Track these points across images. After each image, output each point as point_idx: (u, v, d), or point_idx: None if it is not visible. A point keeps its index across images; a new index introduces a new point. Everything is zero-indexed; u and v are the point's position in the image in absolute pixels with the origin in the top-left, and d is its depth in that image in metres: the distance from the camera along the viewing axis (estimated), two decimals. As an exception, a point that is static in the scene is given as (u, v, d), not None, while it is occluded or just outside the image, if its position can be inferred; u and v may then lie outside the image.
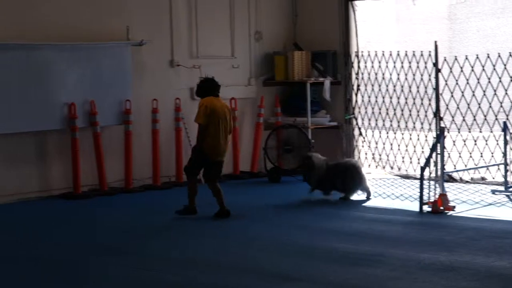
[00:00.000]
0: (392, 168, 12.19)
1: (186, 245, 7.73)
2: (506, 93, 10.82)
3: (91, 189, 10.92)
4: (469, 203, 9.61)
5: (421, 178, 9.12)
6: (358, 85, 12.56)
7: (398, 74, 12.01)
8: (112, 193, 10.86)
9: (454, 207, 9.13)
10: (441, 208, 8.96)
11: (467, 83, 11.18)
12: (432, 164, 9.37)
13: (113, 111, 11.07)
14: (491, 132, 10.96)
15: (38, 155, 10.64)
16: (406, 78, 11.94)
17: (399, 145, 12.08)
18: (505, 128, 10.10)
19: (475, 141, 11.10)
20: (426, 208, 9.07)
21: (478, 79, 11.08)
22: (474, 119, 11.12)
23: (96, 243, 7.89)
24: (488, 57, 10.95)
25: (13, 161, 10.38)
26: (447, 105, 11.34)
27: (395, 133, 12.13)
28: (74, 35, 10.67)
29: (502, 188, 10.18)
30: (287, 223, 8.78)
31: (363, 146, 12.57)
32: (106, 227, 8.82)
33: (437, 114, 10.13)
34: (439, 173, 9.38)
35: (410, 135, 11.90)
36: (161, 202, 10.43)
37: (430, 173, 9.32)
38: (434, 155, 9.38)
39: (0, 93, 9.91)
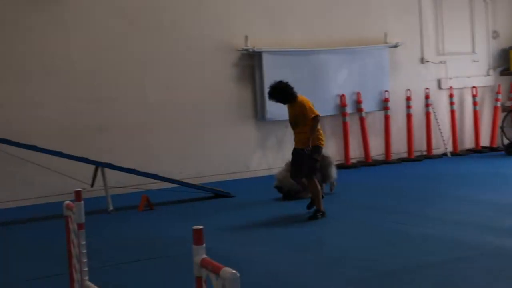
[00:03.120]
0: None
1: (441, 205, 8.78)
2: None
3: (358, 161, 13.40)
4: None
5: None
6: None
7: None
8: (375, 164, 13.20)
9: None
10: None
11: None
12: None
13: (375, 99, 13.38)
14: None
15: (317, 135, 13.33)
16: None
17: None
18: None
19: None
20: None
21: None
22: None
23: (360, 202, 9.46)
24: None
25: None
26: None
27: None
28: (344, 41, 13.14)
29: None
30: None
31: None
32: (369, 190, 10.48)
33: None
34: None
35: None
36: (414, 171, 12.37)
37: None
38: None
39: (296, 87, 12.61)
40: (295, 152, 8.29)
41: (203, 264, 2.81)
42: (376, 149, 13.57)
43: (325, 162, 9.52)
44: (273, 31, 12.47)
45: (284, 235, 7.53)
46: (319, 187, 8.27)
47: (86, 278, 4.25)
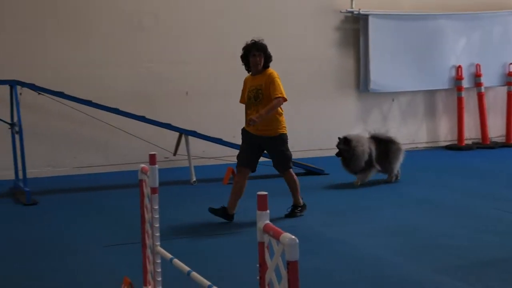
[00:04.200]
0: None
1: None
2: None
3: (474, 142, 13.39)
4: None
5: None
6: None
7: None
8: (493, 146, 13.15)
9: None
10: None
11: None
12: None
13: (497, 73, 13.30)
14: None
15: (427, 111, 13.38)
16: None
17: None
18: None
19: None
20: None
21: None
22: None
23: (467, 187, 9.53)
24: None
25: (406, 115, 13.29)
26: None
27: None
28: (463, 5, 13.08)
29: None
30: None
31: None
32: (481, 175, 10.48)
33: None
34: None
35: None
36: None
37: None
38: None
39: (401, 57, 12.66)
40: (248, 137, 7.84)
41: (266, 230, 3.18)
42: (496, 130, 13.56)
43: (393, 148, 9.69)
44: (381, -8, 12.61)
45: (376, 218, 7.83)
46: (296, 178, 7.80)
47: (158, 243, 4.72)
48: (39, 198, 9.07)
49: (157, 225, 4.74)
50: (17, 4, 10.63)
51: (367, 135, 9.90)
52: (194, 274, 4.16)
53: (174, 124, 10.36)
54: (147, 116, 10.26)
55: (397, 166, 9.79)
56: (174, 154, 10.51)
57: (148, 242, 4.85)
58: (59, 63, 10.76)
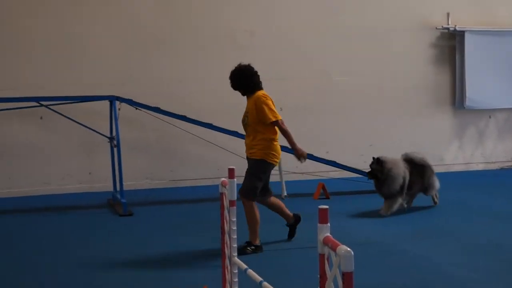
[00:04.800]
0: None
1: None
2: None
3: None
4: None
5: None
6: None
7: None
8: None
9: None
10: None
11: None
12: None
13: None
14: None
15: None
16: None
17: None
18: None
19: None
20: None
21: None
22: None
23: None
24: None
25: (503, 132, 13.00)
26: None
27: None
28: None
29: None
30: None
31: None
32: None
33: None
34: None
35: None
36: None
37: None
38: None
39: (497, 73, 12.47)
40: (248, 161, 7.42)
41: (325, 242, 3.34)
42: None
43: (427, 172, 9.29)
44: (477, 7, 12.48)
45: (457, 232, 7.83)
46: (257, 214, 7.22)
47: (235, 254, 4.94)
48: (135, 210, 9.49)
49: (235, 236, 4.96)
50: (118, 26, 11.17)
51: (400, 158, 9.26)
52: (266, 284, 4.34)
53: (266, 139, 10.57)
54: (240, 132, 10.53)
55: (437, 187, 9.40)
56: (265, 169, 10.72)
57: (227, 252, 5.08)
58: (156, 80, 11.22)
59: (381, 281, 6.02)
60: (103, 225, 8.79)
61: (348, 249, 3.13)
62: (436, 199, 9.51)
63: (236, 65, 7.44)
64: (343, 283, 3.14)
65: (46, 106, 9.96)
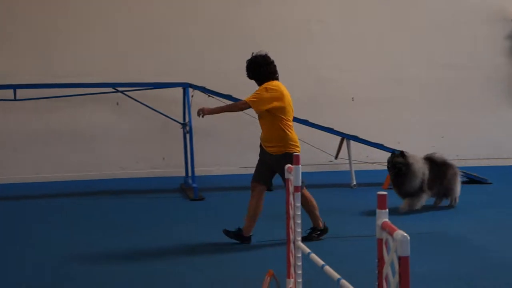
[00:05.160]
0: None
1: None
2: None
3: None
4: None
5: None
6: None
7: None
8: None
9: None
10: None
11: None
12: None
13: None
14: None
15: None
16: None
17: None
18: None
19: None
20: None
21: None
22: None
23: None
24: None
25: None
26: None
27: None
28: None
29: None
30: None
31: None
32: None
33: None
34: None
35: None
36: None
37: None
38: None
39: None
40: (261, 153, 7.32)
41: (383, 227, 3.42)
42: None
43: (449, 173, 8.77)
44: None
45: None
46: (312, 200, 7.19)
47: (299, 239, 5.06)
48: (205, 195, 9.71)
49: (299, 221, 5.07)
50: (196, 17, 11.42)
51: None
52: (327, 267, 4.44)
53: (337, 129, 10.65)
54: (311, 120, 10.63)
55: (458, 190, 8.79)
56: (336, 157, 10.82)
57: (291, 237, 5.20)
58: (229, 69, 11.38)
59: (445, 270, 6.05)
60: (175, 209, 9.04)
61: (405, 234, 3.20)
62: (453, 203, 8.85)
63: (256, 54, 7.20)
64: (399, 267, 3.23)
65: (122, 92, 10.27)
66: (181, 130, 10.43)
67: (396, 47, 11.89)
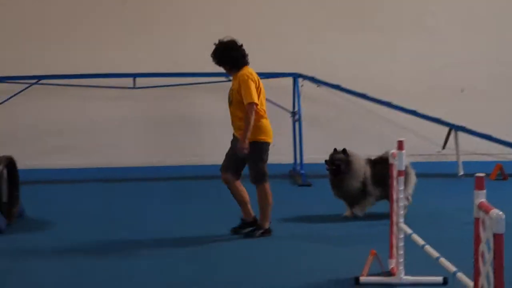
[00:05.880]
0: None
1: None
2: None
3: None
4: None
5: None
6: None
7: None
8: None
9: None
10: None
11: None
12: None
13: None
14: None
15: None
16: None
17: None
18: None
19: None
20: None
21: None
22: None
23: None
24: None
25: None
26: None
27: None
28: None
29: None
30: None
31: None
32: None
33: None
34: None
35: None
36: None
37: None
38: None
39: None
40: (233, 140, 7.17)
41: (480, 207, 3.63)
42: None
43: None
44: None
45: None
46: (270, 197, 7.07)
47: (401, 220, 5.31)
48: (313, 181, 10.02)
49: (401, 204, 5.31)
50: (302, 4, 11.72)
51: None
52: (427, 247, 4.68)
53: (445, 119, 10.70)
54: (420, 111, 10.73)
55: (409, 190, 7.74)
56: (443, 148, 10.87)
57: (394, 218, 5.45)
58: (338, 60, 11.60)
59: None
60: (282, 193, 9.35)
61: (500, 212, 3.42)
62: (410, 199, 7.86)
63: (229, 40, 7.07)
64: (494, 244, 3.44)
65: (234, 81, 10.66)
66: (291, 118, 10.75)
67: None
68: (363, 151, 11.57)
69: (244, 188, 7.12)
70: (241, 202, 7.10)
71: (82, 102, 11.51)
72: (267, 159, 7.04)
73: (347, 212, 7.91)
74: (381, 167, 7.52)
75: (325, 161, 7.87)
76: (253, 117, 6.73)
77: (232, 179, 7.05)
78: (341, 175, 7.75)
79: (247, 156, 6.86)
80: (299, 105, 10.30)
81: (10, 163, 7.94)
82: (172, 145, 11.71)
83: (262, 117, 6.94)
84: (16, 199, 7.98)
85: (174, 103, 11.64)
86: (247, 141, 6.74)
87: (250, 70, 6.98)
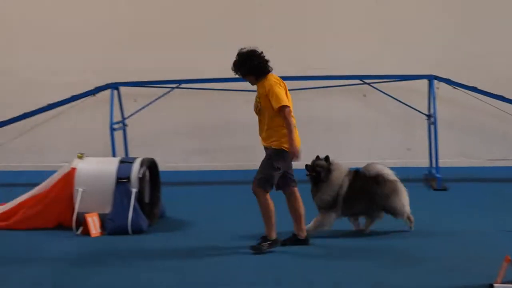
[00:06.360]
0: None
1: None
2: None
3: None
4: None
5: None
6: None
7: None
8: None
9: None
10: None
11: None
12: None
13: None
14: None
15: None
16: None
17: None
18: None
19: None
20: None
21: None
22: None
23: None
24: None
25: None
26: None
27: None
28: None
29: None
30: None
31: None
32: None
33: None
34: None
35: None
36: None
37: None
38: None
39: None
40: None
41: None
42: None
43: (387, 189, 7.44)
44: None
45: None
46: (271, 206, 6.77)
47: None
48: (449, 185, 9.86)
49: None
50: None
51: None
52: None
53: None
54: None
55: (399, 206, 7.44)
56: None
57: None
58: (478, 60, 11.33)
59: None
60: (417, 197, 9.26)
61: None
62: (411, 224, 7.56)
63: (248, 50, 6.85)
64: None
65: (369, 84, 10.67)
66: (426, 121, 10.60)
67: None
68: (505, 152, 11.33)
69: None
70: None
71: (220, 104, 11.74)
72: (283, 170, 6.82)
73: (310, 224, 7.31)
74: (361, 181, 7.35)
75: (306, 166, 7.44)
76: (291, 119, 6.61)
77: (285, 188, 7.04)
78: (319, 184, 7.40)
79: (265, 158, 6.78)
80: (434, 107, 10.16)
81: (152, 165, 8.30)
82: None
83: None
84: (158, 200, 8.33)
85: (314, 104, 11.67)
86: (295, 146, 6.61)
87: (276, 76, 6.86)
